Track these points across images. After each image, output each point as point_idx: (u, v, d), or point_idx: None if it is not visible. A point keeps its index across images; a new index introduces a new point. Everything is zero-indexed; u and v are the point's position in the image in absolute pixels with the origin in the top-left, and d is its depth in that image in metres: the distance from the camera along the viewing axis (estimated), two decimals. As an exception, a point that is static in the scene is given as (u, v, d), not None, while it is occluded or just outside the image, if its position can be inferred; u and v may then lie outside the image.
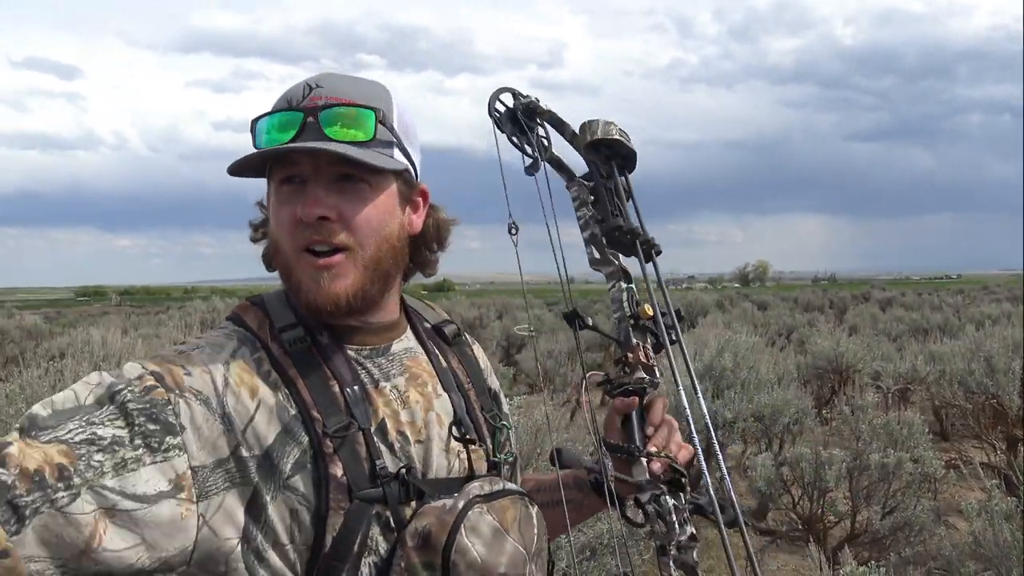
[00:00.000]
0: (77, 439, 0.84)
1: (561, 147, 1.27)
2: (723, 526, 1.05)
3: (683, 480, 1.13)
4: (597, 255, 1.21)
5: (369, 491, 0.99)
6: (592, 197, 1.23)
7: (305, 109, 1.03)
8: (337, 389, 1.03)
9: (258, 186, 1.13)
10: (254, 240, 1.16)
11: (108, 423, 0.87)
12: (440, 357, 1.21)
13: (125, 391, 0.89)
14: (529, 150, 1.22)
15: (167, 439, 0.89)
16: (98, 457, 0.84)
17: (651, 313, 1.17)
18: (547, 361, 10.77)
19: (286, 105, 1.05)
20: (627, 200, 1.23)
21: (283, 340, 1.04)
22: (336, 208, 1.03)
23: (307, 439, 0.99)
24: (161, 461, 0.88)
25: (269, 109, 1.07)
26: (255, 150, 1.05)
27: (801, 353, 9.91)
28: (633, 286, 1.21)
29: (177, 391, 0.93)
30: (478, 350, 1.31)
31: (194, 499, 0.90)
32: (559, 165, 1.26)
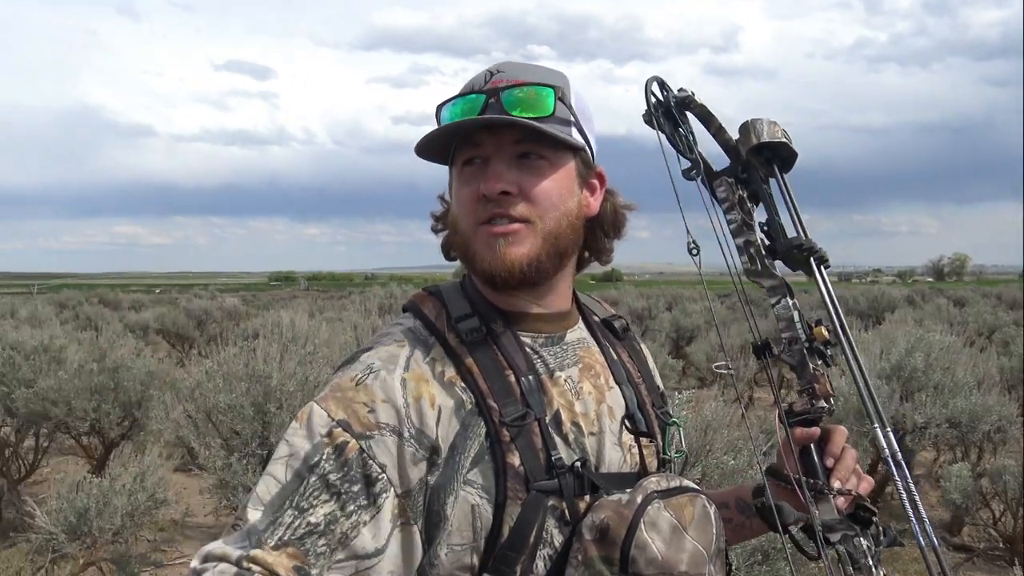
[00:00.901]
0: (298, 535, 0.91)
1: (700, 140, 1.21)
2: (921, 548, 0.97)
3: (873, 518, 1.07)
4: (754, 266, 1.14)
5: (546, 482, 0.99)
6: (738, 195, 1.15)
7: (487, 91, 1.06)
8: (513, 378, 1.04)
9: (432, 177, 1.15)
10: (435, 231, 1.18)
11: (317, 503, 0.93)
12: (611, 350, 1.19)
13: (322, 463, 0.94)
14: (687, 151, 1.16)
15: (372, 489, 0.95)
16: (321, 543, 0.91)
17: (827, 336, 1.11)
18: (718, 355, 10.48)
19: (469, 90, 1.08)
20: (789, 204, 1.16)
21: (459, 330, 1.05)
22: (517, 183, 1.04)
23: (484, 429, 1.00)
24: (376, 512, 0.94)
25: (452, 96, 1.10)
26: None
27: (1005, 355, 9.02)
28: (797, 301, 1.13)
29: (367, 433, 0.96)
30: (645, 348, 1.29)
31: (408, 521, 0.97)
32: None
